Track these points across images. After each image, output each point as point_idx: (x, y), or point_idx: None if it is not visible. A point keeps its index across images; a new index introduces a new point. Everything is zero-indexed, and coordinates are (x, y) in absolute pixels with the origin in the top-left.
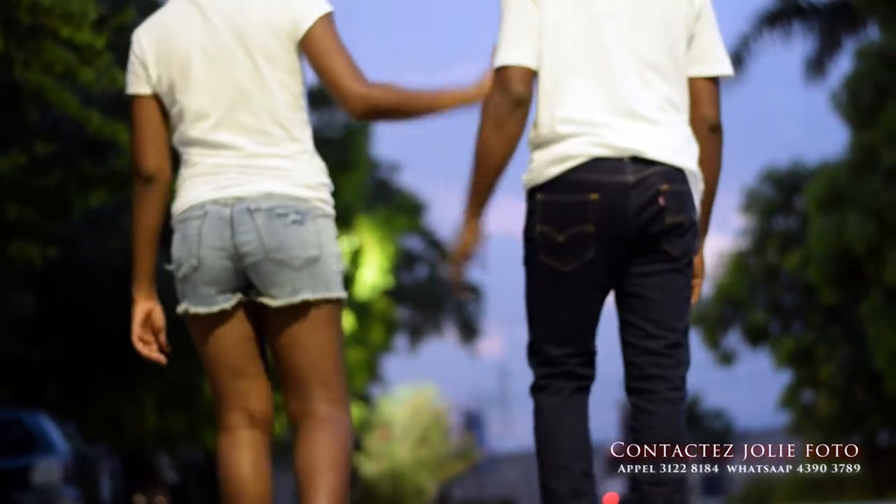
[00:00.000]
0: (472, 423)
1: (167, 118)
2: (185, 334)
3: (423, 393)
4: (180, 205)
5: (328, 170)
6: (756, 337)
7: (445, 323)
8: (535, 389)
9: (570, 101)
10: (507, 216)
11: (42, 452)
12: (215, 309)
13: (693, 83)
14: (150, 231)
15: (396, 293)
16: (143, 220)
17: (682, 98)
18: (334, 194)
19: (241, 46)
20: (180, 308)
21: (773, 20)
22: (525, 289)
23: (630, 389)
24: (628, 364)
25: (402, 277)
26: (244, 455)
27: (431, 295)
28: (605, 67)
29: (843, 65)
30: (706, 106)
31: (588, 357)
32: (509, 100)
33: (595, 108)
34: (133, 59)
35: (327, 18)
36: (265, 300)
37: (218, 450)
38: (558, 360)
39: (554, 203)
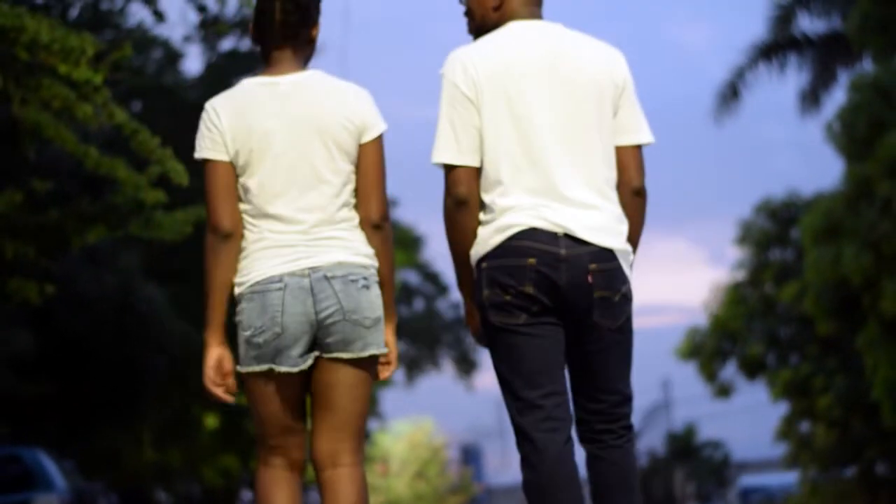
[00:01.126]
0: (470, 456)
1: (237, 183)
2: (183, 370)
3: (421, 427)
4: (254, 276)
5: None
6: (753, 369)
7: (443, 357)
8: (521, 444)
9: (510, 190)
10: None
11: (40, 489)
12: (302, 368)
13: (619, 151)
14: (226, 284)
15: None
16: (221, 274)
17: (612, 174)
18: None
19: (319, 137)
20: (255, 368)
21: (768, 52)
22: (492, 359)
23: (583, 439)
24: (579, 420)
25: (399, 311)
26: (282, 490)
27: (429, 329)
28: (540, 159)
29: (837, 96)
30: (631, 172)
31: (561, 398)
32: (455, 201)
33: (533, 194)
34: (209, 127)
35: (382, 138)
36: (338, 354)
37: (257, 482)
38: (535, 402)
39: (497, 267)
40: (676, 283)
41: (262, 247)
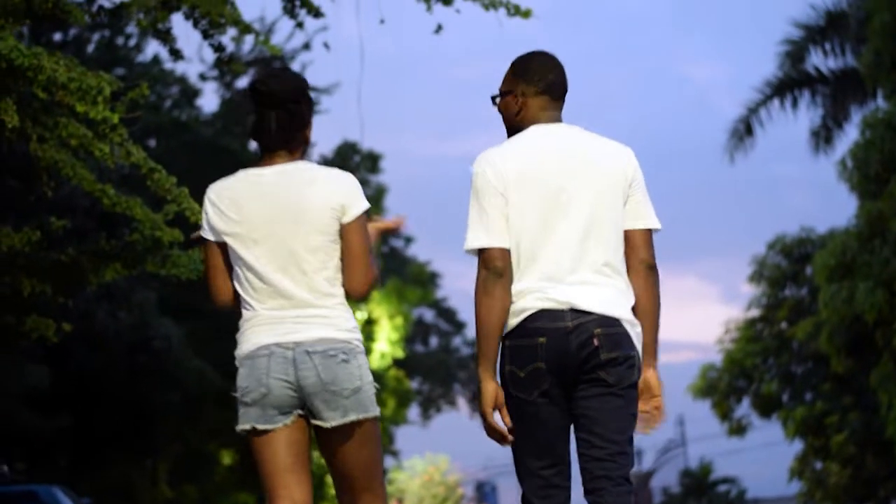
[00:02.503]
0: (485, 494)
1: (228, 262)
2: (198, 407)
3: (436, 464)
4: (247, 346)
5: None
6: (767, 407)
7: (458, 394)
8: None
9: (525, 275)
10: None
11: None
12: (279, 426)
13: (631, 233)
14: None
15: (409, 364)
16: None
17: (620, 259)
18: None
19: (301, 222)
20: (244, 427)
21: (782, 89)
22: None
23: (586, 490)
24: (582, 469)
25: (414, 349)
26: None
27: (444, 366)
28: (555, 246)
29: (850, 134)
30: (643, 251)
31: (562, 468)
32: (493, 273)
33: (544, 279)
34: (205, 211)
35: (365, 216)
36: (320, 423)
37: None
38: (537, 472)
39: (515, 347)
40: (690, 321)
41: (255, 323)
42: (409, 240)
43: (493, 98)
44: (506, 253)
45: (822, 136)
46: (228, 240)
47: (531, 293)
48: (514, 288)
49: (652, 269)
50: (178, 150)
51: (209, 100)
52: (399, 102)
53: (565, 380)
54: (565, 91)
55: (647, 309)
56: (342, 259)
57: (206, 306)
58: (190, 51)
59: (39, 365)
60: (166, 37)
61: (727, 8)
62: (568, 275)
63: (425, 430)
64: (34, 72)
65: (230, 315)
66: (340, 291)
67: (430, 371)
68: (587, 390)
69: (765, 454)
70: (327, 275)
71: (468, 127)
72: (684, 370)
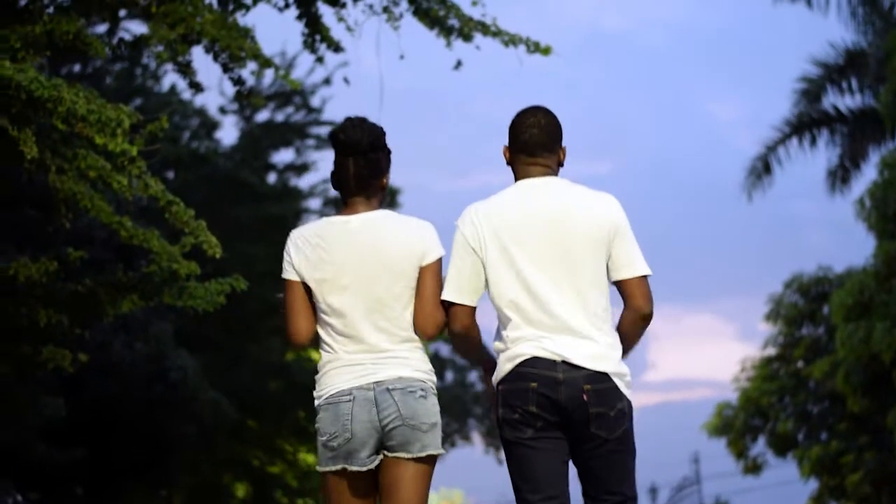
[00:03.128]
0: None
1: (312, 303)
2: (214, 439)
3: (451, 499)
4: (328, 389)
5: None
6: (783, 446)
7: (472, 429)
8: None
9: (518, 325)
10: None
11: None
12: (371, 467)
13: (625, 283)
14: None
15: None
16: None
17: (604, 306)
18: None
19: (383, 268)
20: (330, 468)
21: (800, 127)
22: (507, 464)
23: None
24: None
25: None
26: None
27: (459, 401)
28: (540, 299)
29: (867, 174)
30: (639, 300)
31: (559, 500)
32: (456, 332)
33: (537, 327)
34: (288, 253)
35: (440, 261)
36: (400, 455)
37: None
38: None
39: (508, 391)
40: (706, 358)
41: (335, 365)
42: None
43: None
44: (469, 311)
45: (839, 176)
46: (314, 284)
47: (526, 341)
48: (509, 335)
49: (645, 320)
50: (197, 182)
51: (228, 132)
52: (417, 137)
53: (556, 423)
54: (545, 146)
55: (627, 343)
56: (416, 299)
57: (221, 338)
58: (210, 82)
59: (55, 396)
60: (186, 69)
61: (749, 46)
62: (558, 326)
63: (440, 465)
64: (54, 103)
65: (245, 347)
66: (416, 336)
67: (445, 406)
68: (584, 446)
69: (780, 493)
70: (407, 320)
71: (485, 161)
72: (700, 408)
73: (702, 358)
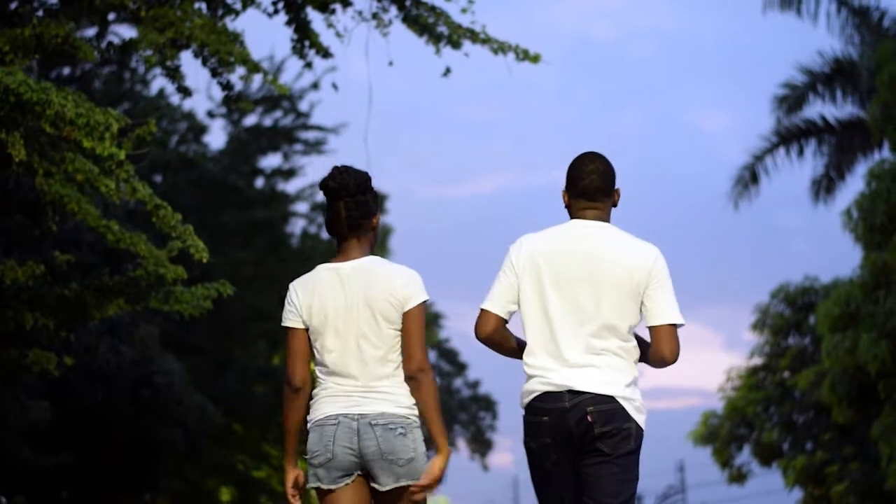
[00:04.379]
0: None
1: (310, 347)
2: (199, 443)
3: None
4: (318, 414)
5: None
6: (768, 456)
7: (458, 435)
8: None
9: (535, 352)
10: (517, 331)
11: None
12: (341, 485)
13: (656, 329)
14: (297, 424)
15: None
16: (293, 417)
17: (620, 346)
18: None
19: (369, 311)
20: (312, 485)
21: (788, 138)
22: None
23: None
24: None
25: None
26: None
27: (445, 408)
28: (555, 332)
29: (851, 184)
30: (665, 349)
31: None
32: (482, 338)
33: (556, 355)
34: (289, 302)
35: (423, 305)
36: (377, 486)
37: None
38: None
39: (527, 422)
40: (691, 367)
41: (327, 394)
42: None
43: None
44: (498, 320)
45: (824, 186)
46: (311, 327)
47: (537, 377)
48: (529, 362)
49: (668, 364)
50: (185, 186)
51: (216, 136)
52: (405, 143)
53: (569, 451)
54: (603, 191)
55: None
56: (401, 341)
57: (207, 342)
58: (198, 86)
59: (41, 400)
60: (175, 74)
61: (738, 56)
62: (566, 358)
63: None
64: (42, 106)
65: (231, 352)
66: (401, 372)
67: None
68: (587, 459)
69: (765, 502)
70: (393, 357)
71: (473, 170)
72: (686, 416)
73: (688, 367)
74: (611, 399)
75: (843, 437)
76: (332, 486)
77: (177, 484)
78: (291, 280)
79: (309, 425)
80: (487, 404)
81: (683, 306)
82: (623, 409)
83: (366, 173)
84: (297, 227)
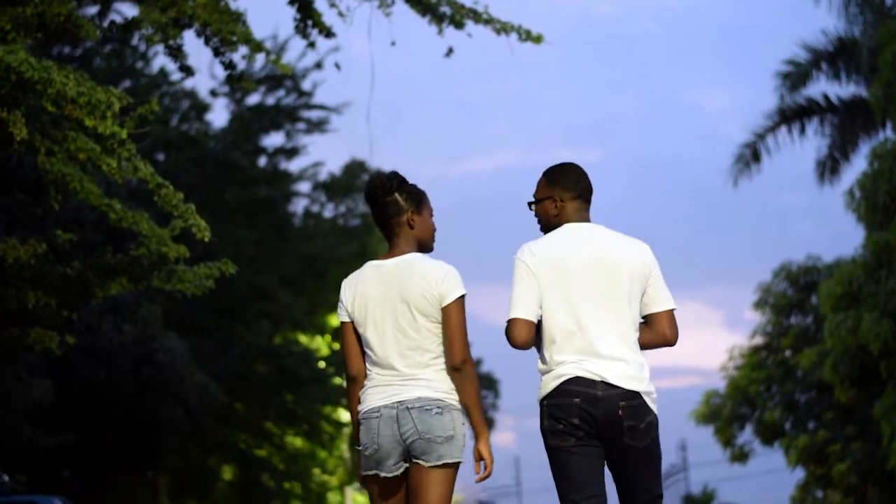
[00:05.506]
0: None
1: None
2: (201, 422)
3: None
4: (365, 406)
5: (348, 259)
6: (770, 435)
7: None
8: None
9: (563, 349)
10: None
11: None
12: (396, 473)
13: (655, 316)
14: (355, 411)
15: None
16: (352, 406)
17: (635, 334)
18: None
19: (406, 306)
20: (365, 472)
21: (790, 117)
22: (551, 470)
23: None
24: None
25: None
26: None
27: None
28: (584, 327)
29: (856, 164)
30: (666, 329)
31: (599, 499)
32: (520, 345)
33: (579, 353)
34: (341, 299)
35: (461, 299)
36: (421, 462)
37: None
38: (578, 502)
39: (553, 405)
40: (693, 346)
41: (371, 385)
42: None
43: (531, 204)
44: (530, 325)
45: (828, 167)
46: (355, 320)
47: (570, 363)
48: (555, 358)
49: (669, 345)
50: (187, 164)
51: (219, 115)
52: (406, 122)
53: (594, 433)
54: (592, 194)
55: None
56: (443, 335)
57: (209, 321)
58: (200, 65)
59: (43, 379)
60: (177, 53)
61: (741, 34)
62: (598, 349)
63: None
64: (44, 85)
65: (233, 330)
66: (440, 361)
67: None
68: (619, 454)
69: (767, 482)
70: (430, 348)
71: (472, 148)
72: (687, 395)
73: (689, 346)
74: (637, 395)
75: (844, 417)
76: (387, 474)
77: (178, 462)
78: (293, 258)
79: (359, 417)
80: (489, 383)
81: (684, 285)
82: (645, 403)
83: (392, 176)
84: (299, 206)
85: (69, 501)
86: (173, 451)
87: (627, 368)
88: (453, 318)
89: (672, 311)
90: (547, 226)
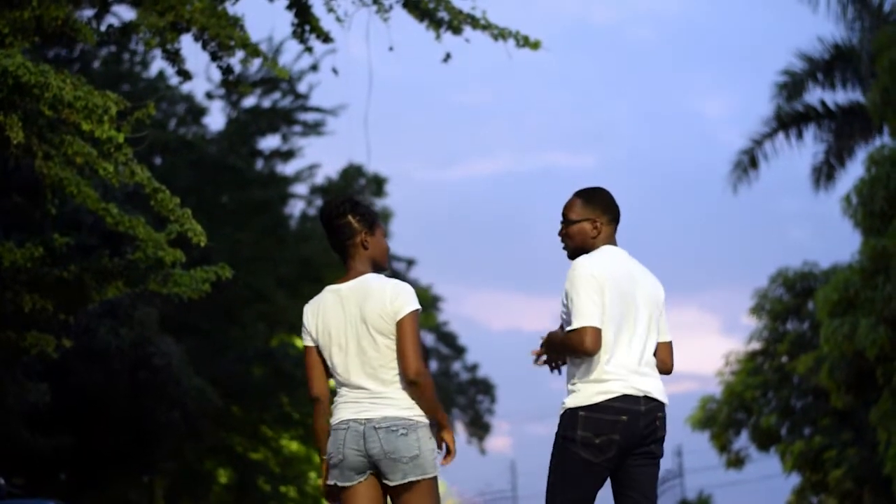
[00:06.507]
0: None
1: (324, 362)
2: (197, 425)
3: None
4: (334, 419)
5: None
6: (766, 440)
7: (456, 419)
8: None
9: (612, 359)
10: (515, 315)
11: None
12: (353, 483)
13: (661, 345)
14: (324, 430)
15: None
16: (318, 423)
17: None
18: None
19: (364, 327)
20: (329, 482)
21: (788, 123)
22: (552, 473)
23: None
24: None
25: None
26: None
27: (443, 391)
28: (631, 338)
29: (852, 170)
30: (668, 358)
31: None
32: (587, 353)
33: (626, 364)
34: (303, 323)
35: (414, 314)
36: (387, 482)
37: None
38: None
39: (595, 419)
40: (689, 351)
41: (342, 401)
42: (410, 263)
43: (564, 223)
44: (599, 333)
45: (824, 173)
46: (320, 345)
47: (617, 380)
48: (602, 368)
49: (669, 372)
50: (183, 167)
51: (215, 118)
52: (403, 126)
53: (627, 451)
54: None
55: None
56: (397, 345)
57: (206, 324)
58: (196, 68)
59: (40, 382)
60: (175, 57)
61: (738, 40)
62: (638, 366)
63: None
64: (41, 89)
65: (229, 333)
66: (398, 370)
67: None
68: (638, 461)
69: (763, 487)
70: (392, 366)
71: (468, 153)
72: (684, 401)
73: (686, 351)
74: (664, 407)
75: (841, 423)
76: (347, 484)
77: (174, 465)
78: (290, 261)
79: (330, 427)
80: (486, 388)
81: (680, 291)
82: (666, 416)
83: (345, 199)
84: (295, 208)
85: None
86: (169, 454)
87: (660, 384)
88: (406, 333)
89: (671, 342)
90: (581, 246)
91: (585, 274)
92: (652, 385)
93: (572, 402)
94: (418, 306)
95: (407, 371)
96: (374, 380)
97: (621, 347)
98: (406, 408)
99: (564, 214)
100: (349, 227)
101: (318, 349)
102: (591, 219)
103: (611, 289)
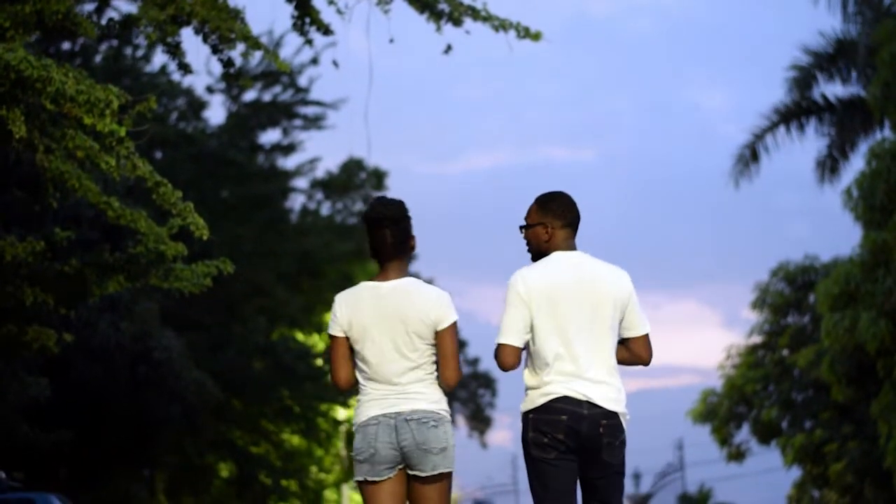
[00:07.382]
0: None
1: (352, 353)
2: (198, 419)
3: None
4: (362, 416)
5: (345, 256)
6: (766, 434)
7: (457, 412)
8: None
9: (552, 370)
10: None
11: None
12: (385, 478)
13: (633, 340)
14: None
15: None
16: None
17: (614, 359)
18: (348, 279)
19: (402, 327)
20: (358, 478)
21: (789, 116)
22: (528, 476)
23: None
24: None
25: None
26: None
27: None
28: (571, 350)
29: (855, 164)
30: (642, 352)
31: None
32: (501, 368)
33: (570, 371)
34: (334, 313)
35: (454, 325)
36: (416, 472)
37: None
38: None
39: (540, 419)
40: (691, 345)
41: (367, 399)
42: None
43: (522, 228)
44: (517, 350)
45: (828, 167)
46: (351, 337)
47: (558, 382)
48: (543, 377)
49: (646, 363)
50: (184, 161)
51: (216, 112)
52: (402, 120)
53: (574, 448)
54: (579, 224)
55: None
56: (437, 356)
57: (206, 318)
58: (197, 62)
59: (40, 376)
60: (175, 51)
61: (736, 33)
62: (584, 372)
63: None
64: (43, 83)
65: (230, 327)
66: (433, 375)
67: None
68: (594, 468)
69: (763, 480)
70: (423, 364)
71: (468, 146)
72: (684, 394)
73: (687, 344)
74: (615, 416)
75: (841, 416)
76: (377, 479)
77: (175, 459)
78: (291, 256)
79: (354, 427)
80: (487, 382)
81: (681, 284)
82: (621, 424)
83: (402, 203)
84: (296, 202)
85: (66, 499)
86: (170, 448)
87: (609, 391)
88: (448, 343)
89: (647, 334)
90: (537, 250)
91: (511, 289)
92: (597, 392)
93: (523, 407)
94: (457, 316)
95: (448, 380)
96: (405, 376)
97: (568, 355)
98: (434, 401)
99: (525, 218)
100: (409, 229)
101: (347, 340)
102: (543, 223)
103: (547, 300)
